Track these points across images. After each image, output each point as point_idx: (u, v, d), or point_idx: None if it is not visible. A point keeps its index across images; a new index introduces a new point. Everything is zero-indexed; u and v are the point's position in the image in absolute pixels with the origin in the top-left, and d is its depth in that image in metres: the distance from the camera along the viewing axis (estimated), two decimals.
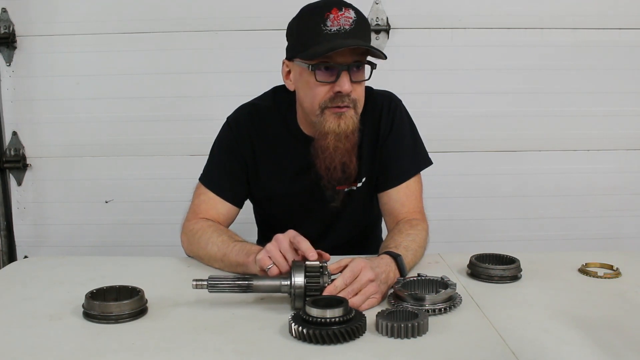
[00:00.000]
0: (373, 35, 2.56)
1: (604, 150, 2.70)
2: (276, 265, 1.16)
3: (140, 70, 2.60)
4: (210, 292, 1.13)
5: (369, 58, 1.38)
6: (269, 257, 1.17)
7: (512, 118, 2.66)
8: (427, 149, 1.58)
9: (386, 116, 1.53)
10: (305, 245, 1.16)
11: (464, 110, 2.64)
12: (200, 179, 1.56)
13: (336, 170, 1.45)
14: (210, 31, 2.58)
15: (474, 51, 2.61)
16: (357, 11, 1.37)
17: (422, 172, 1.57)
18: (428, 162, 1.58)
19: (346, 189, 1.54)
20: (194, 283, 1.13)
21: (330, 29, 1.33)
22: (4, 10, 2.57)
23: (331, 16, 1.33)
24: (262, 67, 2.25)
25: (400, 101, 1.57)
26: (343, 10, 1.34)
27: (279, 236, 1.20)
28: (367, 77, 1.41)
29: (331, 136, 1.39)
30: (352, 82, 1.36)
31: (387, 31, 2.57)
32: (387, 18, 2.57)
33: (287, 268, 1.16)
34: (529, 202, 2.73)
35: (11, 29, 2.57)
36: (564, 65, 2.62)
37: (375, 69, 1.40)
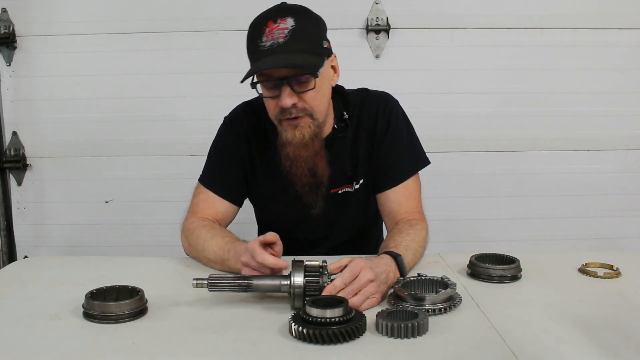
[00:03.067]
0: (373, 36, 2.55)
1: (604, 150, 2.71)
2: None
3: (140, 70, 2.60)
4: (210, 291, 1.14)
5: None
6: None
7: (512, 118, 2.66)
8: (426, 149, 1.58)
9: (382, 117, 1.52)
10: (267, 259, 1.18)
11: (463, 110, 2.64)
12: (199, 179, 1.56)
13: (304, 176, 1.45)
14: (210, 31, 2.58)
15: (474, 51, 2.61)
16: (297, 17, 1.31)
17: (421, 172, 1.56)
18: (425, 162, 1.57)
19: (340, 192, 1.54)
20: (195, 282, 1.13)
21: (265, 45, 1.30)
22: (4, 10, 2.57)
23: (266, 30, 1.30)
24: None
25: (396, 102, 1.56)
26: (278, 21, 1.30)
27: (244, 258, 1.22)
28: (312, 87, 1.35)
29: (290, 146, 1.39)
30: (297, 92, 1.34)
31: (387, 31, 2.57)
32: (387, 18, 2.57)
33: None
34: (529, 202, 2.73)
35: (11, 29, 2.57)
36: (564, 65, 2.63)
37: (317, 77, 1.34)
